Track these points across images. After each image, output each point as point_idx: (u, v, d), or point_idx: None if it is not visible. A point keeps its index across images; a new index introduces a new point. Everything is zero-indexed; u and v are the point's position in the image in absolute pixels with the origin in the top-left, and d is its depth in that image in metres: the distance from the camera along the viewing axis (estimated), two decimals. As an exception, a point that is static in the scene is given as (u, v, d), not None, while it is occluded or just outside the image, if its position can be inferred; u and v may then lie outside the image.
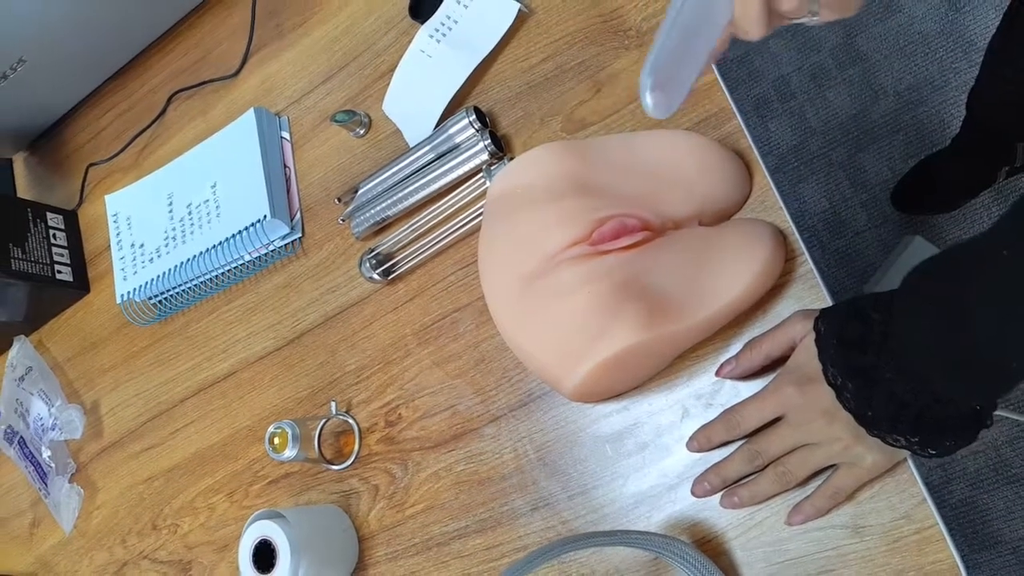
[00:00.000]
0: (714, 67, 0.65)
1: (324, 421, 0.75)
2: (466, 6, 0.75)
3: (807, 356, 0.54)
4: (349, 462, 0.74)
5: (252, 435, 0.81)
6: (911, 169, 1.41)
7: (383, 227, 0.77)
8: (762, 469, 0.56)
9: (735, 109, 0.64)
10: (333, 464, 0.74)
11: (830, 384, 0.52)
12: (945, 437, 0.49)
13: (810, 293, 0.60)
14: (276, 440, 0.70)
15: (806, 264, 0.60)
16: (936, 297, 0.47)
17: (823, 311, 0.55)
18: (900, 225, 1.48)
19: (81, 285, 0.95)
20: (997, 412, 1.25)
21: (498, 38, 0.73)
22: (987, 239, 0.45)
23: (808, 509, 0.55)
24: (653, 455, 0.62)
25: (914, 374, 0.48)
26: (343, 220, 0.78)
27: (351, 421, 0.74)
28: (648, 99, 0.45)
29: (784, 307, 0.60)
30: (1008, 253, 0.44)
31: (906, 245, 1.35)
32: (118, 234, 0.90)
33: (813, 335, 0.54)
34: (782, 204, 0.61)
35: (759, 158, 0.63)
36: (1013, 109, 1.02)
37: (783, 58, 1.61)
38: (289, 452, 0.70)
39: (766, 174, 0.62)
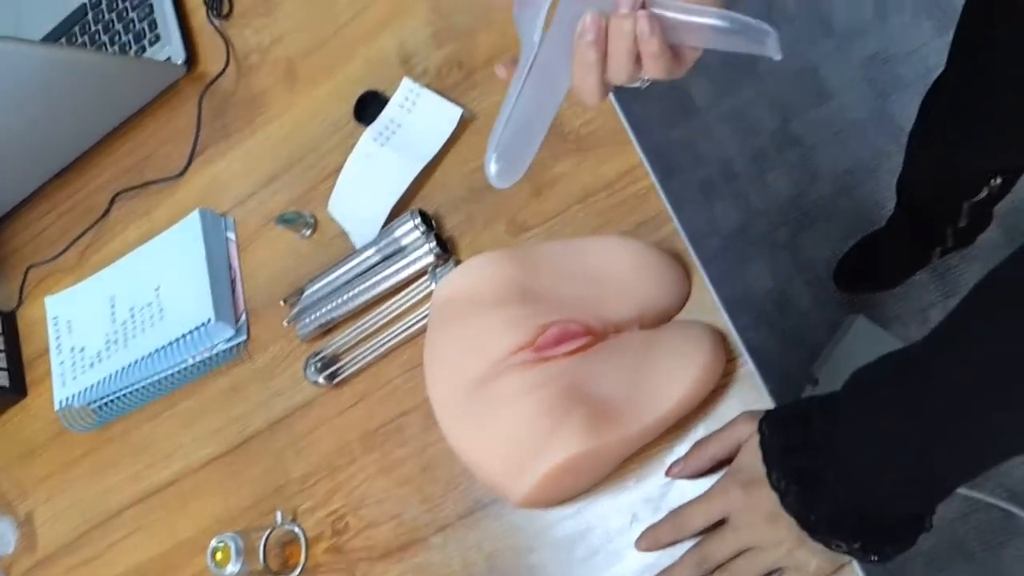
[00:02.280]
0: (650, 171, 0.67)
1: (270, 531, 0.72)
2: (409, 111, 0.76)
3: (752, 458, 0.54)
4: (295, 573, 0.71)
5: (195, 546, 0.78)
6: (849, 249, 1.46)
7: (329, 329, 0.76)
8: (711, 573, 0.56)
9: (672, 213, 0.66)
10: (278, 576, 0.72)
11: (774, 487, 0.52)
12: (886, 542, 0.50)
13: (752, 393, 0.60)
14: (219, 555, 0.68)
15: (747, 365, 0.61)
16: (874, 406, 0.49)
17: (768, 413, 0.55)
18: (844, 303, 1.51)
19: (18, 389, 0.92)
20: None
21: (442, 142, 0.74)
22: (923, 348, 0.47)
23: None
24: (605, 560, 0.61)
25: (856, 480, 0.49)
26: (288, 322, 0.77)
27: (297, 530, 0.72)
28: (492, 169, 0.50)
29: (727, 408, 0.60)
30: (939, 365, 0.46)
31: (849, 326, 1.39)
32: (58, 337, 0.88)
33: (758, 437, 0.55)
34: (720, 305, 0.62)
35: (696, 260, 0.64)
36: (935, 195, 1.07)
37: (726, 142, 1.67)
38: (232, 567, 0.67)
39: (704, 276, 0.64)
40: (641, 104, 1.75)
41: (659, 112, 1.72)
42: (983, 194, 0.97)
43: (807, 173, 1.59)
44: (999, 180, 0.92)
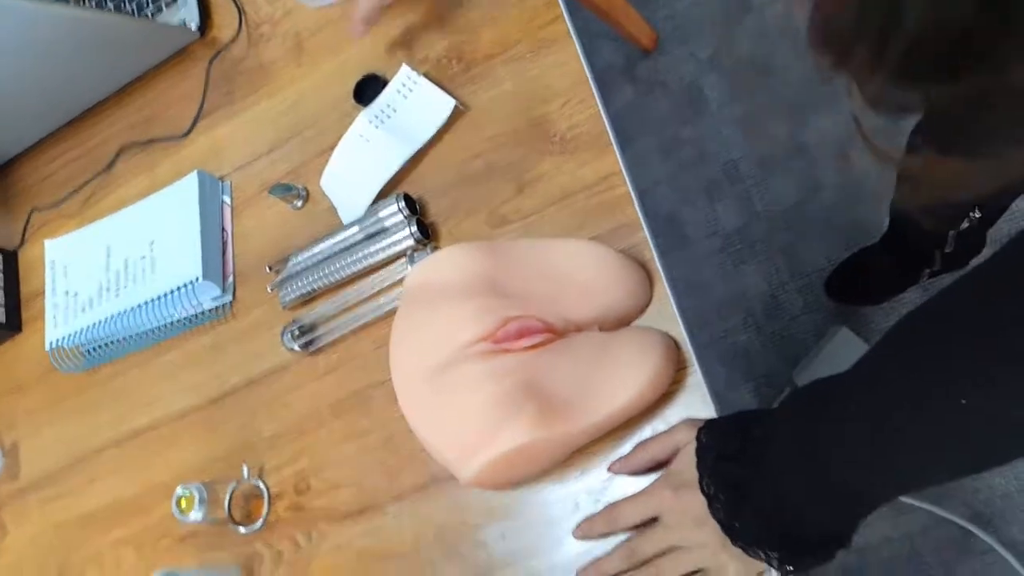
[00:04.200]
0: (628, 179, 0.70)
1: (235, 484, 0.76)
2: (405, 97, 0.79)
3: (687, 463, 0.57)
4: (256, 526, 0.75)
5: (167, 491, 0.82)
6: (843, 261, 1.47)
7: (309, 299, 0.79)
8: (638, 568, 0.59)
9: (643, 221, 0.68)
10: (241, 526, 0.76)
11: (703, 492, 0.55)
12: (805, 555, 0.53)
13: (699, 402, 0.63)
14: (183, 502, 0.72)
15: (696, 375, 0.63)
16: (801, 426, 0.51)
17: (707, 423, 0.58)
18: (833, 313, 1.53)
19: (14, 326, 0.96)
20: (910, 501, 1.29)
21: (434, 130, 0.77)
22: (850, 375, 0.50)
23: None
24: (546, 543, 0.65)
25: (779, 495, 0.52)
26: (272, 289, 0.81)
27: (262, 486, 0.76)
28: None
29: (673, 413, 0.63)
30: (858, 393, 0.48)
31: (832, 335, 1.41)
32: (54, 280, 0.92)
33: (695, 444, 0.57)
34: (678, 315, 0.65)
35: (661, 270, 0.67)
36: (920, 224, 1.08)
37: (735, 144, 1.68)
38: (195, 515, 0.71)
39: (666, 286, 0.66)
40: (655, 100, 1.76)
41: (672, 108, 1.73)
42: (964, 225, 0.98)
43: (810, 183, 1.60)
44: (978, 213, 0.94)
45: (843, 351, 1.39)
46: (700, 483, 0.56)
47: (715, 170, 1.68)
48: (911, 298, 1.48)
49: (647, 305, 0.66)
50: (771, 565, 0.54)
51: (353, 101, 0.82)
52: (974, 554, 1.35)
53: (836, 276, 1.50)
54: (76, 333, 0.87)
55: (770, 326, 1.59)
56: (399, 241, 0.74)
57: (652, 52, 1.76)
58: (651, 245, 0.68)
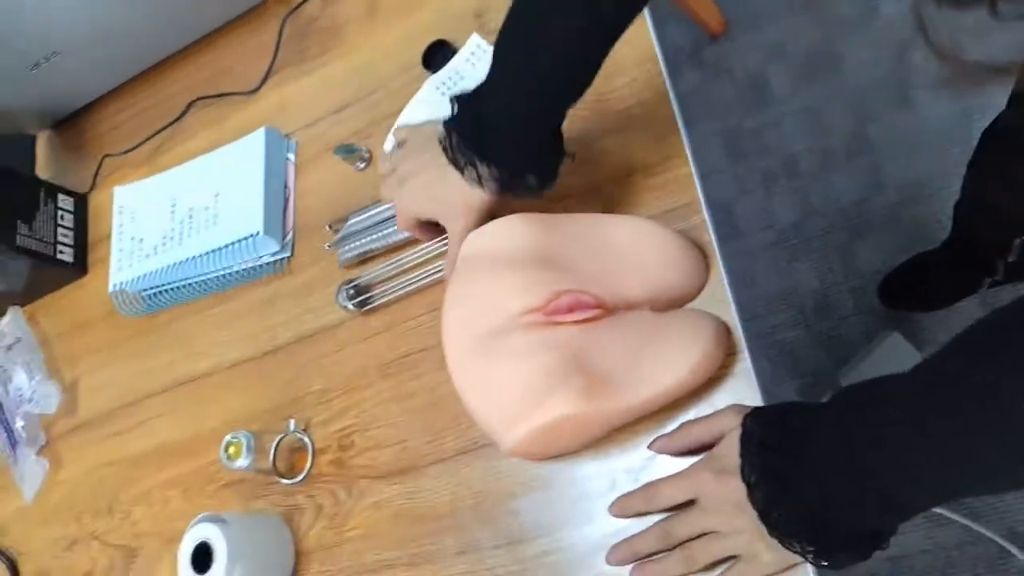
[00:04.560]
0: (691, 160, 0.69)
1: (282, 436, 0.78)
2: (474, 65, 0.79)
3: (730, 449, 0.57)
4: (299, 478, 0.77)
5: (216, 437, 0.84)
6: (900, 265, 1.44)
7: (366, 259, 0.81)
8: (672, 549, 0.59)
9: (704, 204, 0.68)
10: (284, 478, 0.77)
11: (744, 480, 0.55)
12: (840, 551, 0.52)
13: (746, 388, 0.63)
14: (231, 449, 0.74)
15: (745, 361, 0.63)
16: (842, 424, 0.51)
17: (755, 410, 0.58)
18: (885, 317, 1.50)
19: (80, 268, 0.99)
20: (948, 515, 1.27)
21: (498, 101, 0.77)
22: (897, 383, 0.49)
23: None
24: (580, 518, 0.65)
25: (820, 490, 0.51)
26: (330, 247, 0.82)
27: (307, 440, 0.78)
28: None
29: (719, 398, 0.63)
30: (906, 404, 0.48)
31: (883, 339, 1.39)
32: (120, 225, 0.95)
33: (739, 431, 0.57)
34: (731, 299, 0.65)
35: (719, 253, 0.66)
36: (987, 227, 1.06)
37: (795, 137, 1.65)
38: (242, 462, 0.73)
39: (722, 270, 0.66)
40: (720, 86, 1.74)
41: (735, 97, 1.71)
42: None
43: (873, 180, 1.57)
44: None
45: (893, 356, 1.36)
46: (741, 470, 0.56)
47: (775, 162, 1.65)
48: (966, 308, 1.44)
49: (701, 288, 0.66)
50: (805, 558, 0.54)
51: (421, 67, 0.83)
52: (1010, 574, 1.33)
53: (892, 280, 1.47)
54: (140, 278, 0.90)
55: (819, 325, 1.57)
56: (457, 208, 0.75)
57: (720, 37, 1.74)
58: (709, 228, 0.67)
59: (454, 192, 0.65)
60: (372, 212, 0.80)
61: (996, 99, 1.49)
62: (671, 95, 0.71)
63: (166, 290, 0.89)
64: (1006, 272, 1.20)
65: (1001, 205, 0.91)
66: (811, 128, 1.64)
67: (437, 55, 0.82)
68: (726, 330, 0.63)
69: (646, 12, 0.74)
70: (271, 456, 0.77)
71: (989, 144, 0.88)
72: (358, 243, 0.80)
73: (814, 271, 1.59)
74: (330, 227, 0.83)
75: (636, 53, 0.73)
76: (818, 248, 1.60)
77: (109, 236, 0.96)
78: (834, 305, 1.56)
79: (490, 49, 0.78)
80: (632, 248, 0.65)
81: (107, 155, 1.01)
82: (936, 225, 1.50)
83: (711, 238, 0.67)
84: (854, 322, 1.54)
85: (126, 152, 1.00)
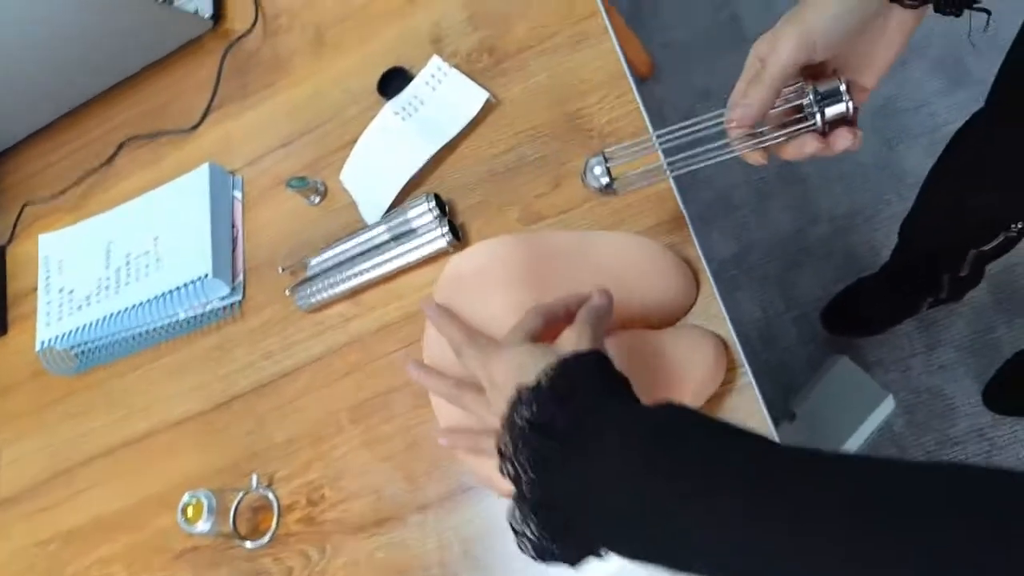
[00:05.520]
0: (670, 175, 0.68)
1: (243, 494, 0.71)
2: (434, 88, 0.76)
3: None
4: (264, 540, 0.70)
5: (162, 503, 0.76)
6: (840, 292, 1.47)
7: (331, 304, 0.75)
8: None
9: (687, 218, 0.66)
10: (247, 541, 0.70)
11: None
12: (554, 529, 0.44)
13: (749, 404, 0.60)
14: (190, 511, 0.66)
15: (747, 376, 0.61)
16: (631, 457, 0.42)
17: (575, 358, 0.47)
18: (828, 344, 1.52)
19: (-1, 326, 0.90)
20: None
21: (464, 123, 0.74)
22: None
23: None
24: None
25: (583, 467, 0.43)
26: (290, 292, 0.76)
27: (271, 497, 0.71)
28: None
29: (723, 415, 0.60)
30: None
31: (832, 365, 1.40)
32: (47, 276, 0.87)
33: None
34: (726, 315, 0.62)
35: (706, 268, 0.64)
36: (941, 239, 1.07)
37: (731, 170, 1.68)
38: (203, 525, 0.66)
39: (712, 284, 0.64)
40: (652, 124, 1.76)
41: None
42: (997, 240, 0.96)
43: (807, 211, 1.61)
44: (1020, 226, 0.92)
45: (844, 381, 1.37)
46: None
47: (710, 196, 1.68)
48: (908, 330, 1.47)
49: (693, 303, 0.63)
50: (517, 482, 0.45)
51: (377, 94, 0.79)
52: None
53: (833, 306, 1.49)
54: (70, 332, 0.82)
55: (764, 354, 1.57)
56: (429, 243, 0.71)
57: (648, 80, 1.77)
58: (695, 241, 0.65)
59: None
60: (335, 251, 0.75)
61: (915, 132, 1.56)
62: (642, 111, 0.70)
63: (102, 344, 0.81)
64: (951, 289, 1.22)
65: (970, 210, 0.91)
66: (743, 162, 1.67)
67: (393, 81, 0.79)
68: (725, 346, 0.61)
69: (610, 29, 0.73)
70: (231, 517, 0.70)
71: (963, 145, 0.89)
72: (320, 285, 0.74)
73: (755, 302, 1.61)
74: (283, 269, 0.77)
75: (605, 70, 0.72)
76: (757, 279, 1.61)
77: (34, 290, 0.88)
78: (778, 335, 1.58)
79: (451, 71, 0.75)
80: (620, 265, 0.62)
81: (28, 203, 0.93)
82: (870, 251, 1.54)
83: (697, 252, 0.65)
84: (798, 351, 1.55)
85: (50, 199, 0.92)
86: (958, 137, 0.90)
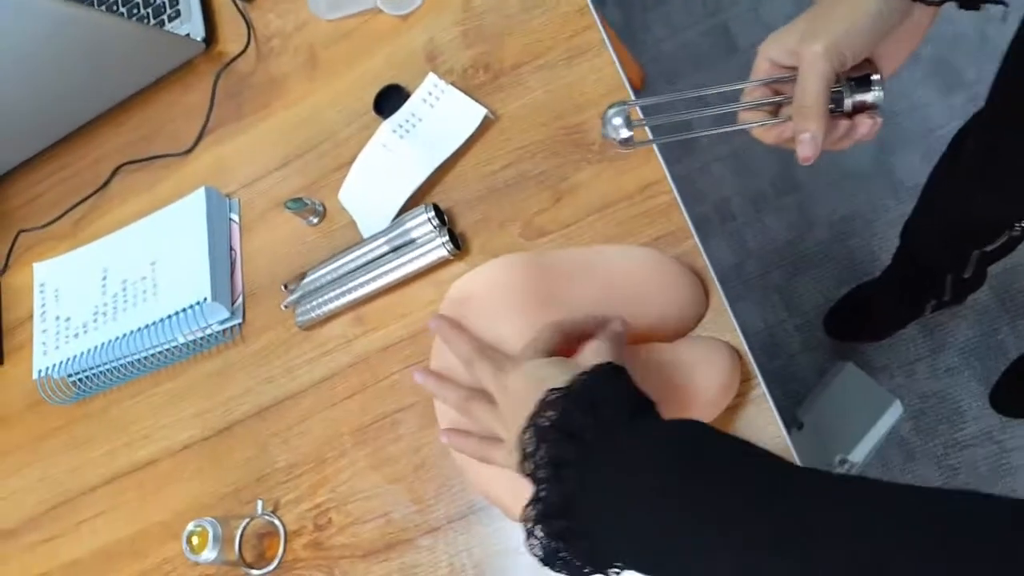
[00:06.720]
0: (673, 187, 0.67)
1: (248, 521, 0.70)
2: (432, 106, 0.75)
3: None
4: (271, 567, 0.69)
5: (166, 532, 0.75)
6: (842, 298, 1.46)
7: (329, 319, 0.74)
8: None
9: (692, 229, 0.65)
10: (253, 568, 0.69)
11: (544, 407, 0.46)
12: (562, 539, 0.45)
13: (762, 415, 0.59)
14: (195, 539, 0.65)
15: (760, 388, 0.60)
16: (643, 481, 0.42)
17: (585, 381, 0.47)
18: (832, 350, 1.51)
19: (-5, 357, 0.89)
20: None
21: (462, 140, 0.73)
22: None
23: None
24: None
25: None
26: (287, 306, 0.75)
27: (277, 523, 0.70)
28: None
29: (738, 427, 0.59)
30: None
31: (838, 372, 1.39)
32: (43, 305, 0.85)
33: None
34: (736, 325, 0.62)
35: (715, 278, 0.63)
36: (945, 241, 1.07)
37: (725, 181, 1.67)
38: (208, 554, 0.65)
39: (721, 294, 0.63)
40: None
41: (662, 146, 1.72)
42: (1001, 240, 0.96)
43: (804, 219, 1.60)
44: (1023, 225, 0.91)
45: (851, 387, 1.36)
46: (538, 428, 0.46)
47: (707, 207, 1.67)
48: (912, 334, 1.47)
49: (704, 314, 0.62)
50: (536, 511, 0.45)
51: (373, 113, 0.79)
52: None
53: (835, 313, 1.48)
54: (68, 361, 0.80)
55: (769, 365, 1.56)
56: (429, 252, 0.70)
57: (638, 91, 1.77)
58: (701, 251, 0.64)
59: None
60: (334, 265, 0.74)
61: (911, 136, 1.56)
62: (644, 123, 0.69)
63: (100, 372, 0.80)
64: (954, 291, 1.22)
65: (973, 210, 0.91)
66: (739, 172, 1.67)
67: (390, 99, 0.78)
68: (739, 357, 0.60)
69: (607, 42, 0.73)
70: (236, 545, 0.69)
71: (964, 145, 0.89)
72: (318, 302, 0.73)
73: (757, 312, 1.60)
74: (285, 287, 0.76)
75: (603, 83, 0.72)
76: (758, 289, 1.61)
77: (30, 318, 0.86)
78: (781, 344, 1.57)
79: (448, 88, 0.75)
80: (629, 278, 0.61)
81: (22, 230, 0.92)
82: (869, 256, 1.53)
83: (705, 262, 0.64)
84: (803, 359, 1.54)
85: (45, 226, 0.91)
86: (958, 137, 0.90)
